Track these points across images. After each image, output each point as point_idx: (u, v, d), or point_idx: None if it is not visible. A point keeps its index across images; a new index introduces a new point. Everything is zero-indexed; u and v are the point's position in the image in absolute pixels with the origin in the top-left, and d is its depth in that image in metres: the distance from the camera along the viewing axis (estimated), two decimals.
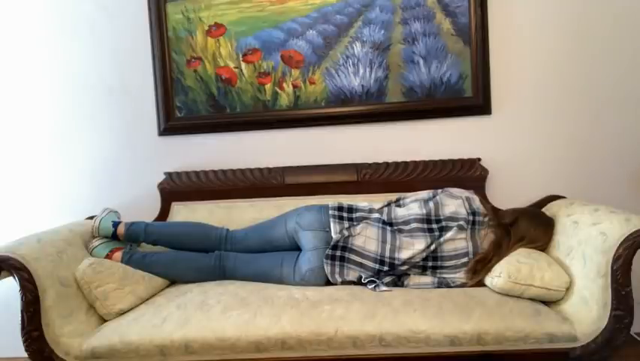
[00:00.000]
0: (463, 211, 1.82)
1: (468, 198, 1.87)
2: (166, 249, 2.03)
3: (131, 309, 1.73)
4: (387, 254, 1.78)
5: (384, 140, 2.23)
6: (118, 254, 1.91)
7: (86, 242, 1.93)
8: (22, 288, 1.54)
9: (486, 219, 1.84)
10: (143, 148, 2.32)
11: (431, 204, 1.87)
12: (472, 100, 2.18)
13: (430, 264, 1.78)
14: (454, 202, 1.85)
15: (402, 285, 1.79)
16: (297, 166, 2.23)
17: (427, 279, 1.78)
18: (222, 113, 2.28)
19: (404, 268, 1.78)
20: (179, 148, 2.31)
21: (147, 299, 1.80)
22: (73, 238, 1.86)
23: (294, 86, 2.24)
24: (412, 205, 1.91)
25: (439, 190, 1.96)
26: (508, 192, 2.16)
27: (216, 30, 2.25)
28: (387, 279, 1.79)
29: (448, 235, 1.78)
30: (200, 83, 2.28)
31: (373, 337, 1.51)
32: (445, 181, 2.09)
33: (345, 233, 1.81)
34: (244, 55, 2.25)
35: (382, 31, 2.19)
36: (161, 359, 1.55)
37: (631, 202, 2.07)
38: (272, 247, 1.96)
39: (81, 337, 1.61)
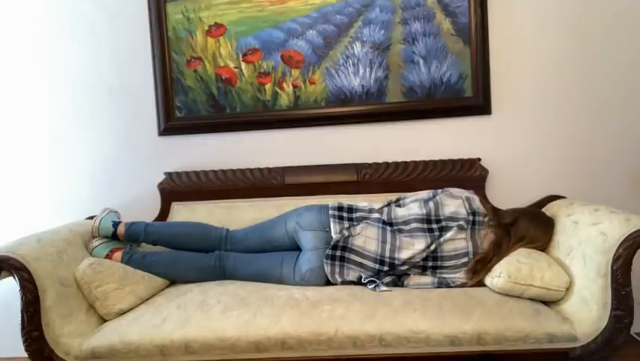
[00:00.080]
0: (463, 211, 1.82)
1: (468, 198, 1.87)
2: (166, 249, 2.03)
3: (131, 309, 1.73)
4: (387, 254, 1.78)
5: (384, 140, 2.23)
6: (118, 254, 1.91)
7: (86, 242, 1.93)
8: (22, 288, 1.54)
9: (486, 219, 1.84)
10: (143, 148, 2.33)
11: (431, 204, 1.87)
12: (472, 100, 2.18)
13: (430, 264, 1.78)
14: (454, 202, 1.85)
15: (402, 285, 1.79)
16: (297, 166, 2.23)
17: (427, 279, 1.78)
18: (222, 113, 2.28)
19: (404, 268, 1.78)
20: (179, 148, 2.31)
21: (147, 299, 1.80)
22: (73, 238, 1.86)
23: (294, 86, 2.24)
24: (412, 205, 1.91)
25: (439, 190, 1.96)
26: (508, 192, 2.16)
27: (216, 30, 2.25)
28: (387, 279, 1.79)
29: (448, 235, 1.78)
30: (200, 83, 2.28)
31: (373, 337, 1.51)
32: (445, 181, 2.09)
33: (345, 233, 1.81)
34: (244, 55, 2.25)
35: (382, 31, 2.19)
36: (161, 359, 1.55)
37: (631, 202, 2.07)
38: (272, 247, 1.96)
39: (81, 337, 1.61)
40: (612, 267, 1.47)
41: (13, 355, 2.17)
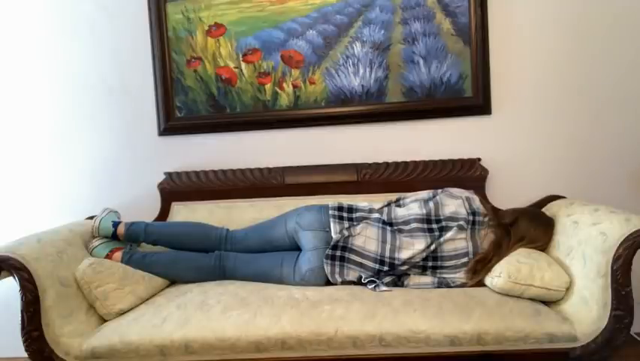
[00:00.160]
0: (463, 211, 1.82)
1: (468, 198, 1.87)
2: (166, 249, 2.03)
3: (131, 309, 1.72)
4: (387, 254, 1.78)
5: (384, 140, 2.23)
6: (118, 254, 1.91)
7: (86, 242, 1.93)
8: (22, 288, 1.54)
9: (486, 219, 1.84)
10: (143, 148, 2.33)
11: (431, 204, 1.87)
12: (472, 100, 2.18)
13: (430, 264, 1.78)
14: (454, 202, 1.85)
15: (402, 285, 1.79)
16: (297, 166, 2.23)
17: (427, 279, 1.78)
18: (222, 113, 2.28)
19: (404, 268, 1.78)
20: (179, 148, 2.31)
21: (147, 299, 1.80)
22: (73, 238, 1.86)
23: (294, 86, 2.24)
24: (412, 205, 1.91)
25: (439, 190, 1.96)
26: (508, 192, 2.16)
27: (216, 30, 2.25)
28: (387, 279, 1.79)
29: (448, 235, 1.78)
30: (200, 83, 2.28)
31: (373, 337, 1.51)
32: (445, 181, 2.09)
33: (345, 233, 1.81)
34: (244, 55, 2.25)
35: (382, 31, 2.19)
36: (161, 359, 1.55)
37: (631, 202, 2.07)
38: (272, 247, 1.96)
39: (81, 337, 1.61)
40: (612, 267, 1.46)
41: (13, 355, 2.17)
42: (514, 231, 1.79)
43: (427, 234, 1.79)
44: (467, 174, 2.15)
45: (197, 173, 2.27)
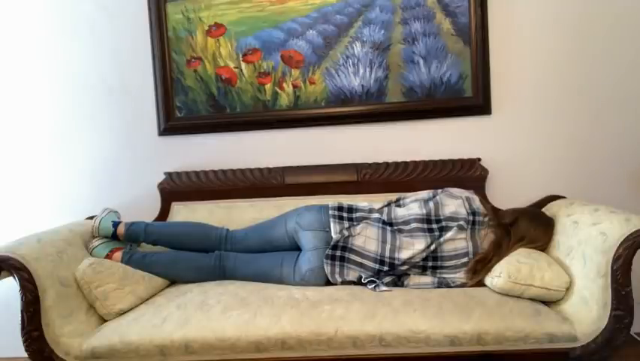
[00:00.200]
0: (463, 211, 1.82)
1: (468, 198, 1.87)
2: (166, 249, 2.03)
3: (131, 309, 1.72)
4: (387, 254, 1.78)
5: (384, 140, 2.23)
6: (118, 254, 1.91)
7: (86, 242, 1.93)
8: (22, 288, 1.54)
9: (486, 219, 1.84)
10: (143, 148, 2.33)
11: (431, 204, 1.87)
12: (472, 100, 2.18)
13: (430, 264, 1.78)
14: (454, 202, 1.85)
15: (402, 285, 1.79)
16: (297, 166, 2.23)
17: (427, 279, 1.78)
18: (222, 113, 2.28)
19: (404, 268, 1.78)
20: (179, 148, 2.31)
21: (147, 299, 1.80)
22: (73, 238, 1.86)
23: (294, 86, 2.24)
24: (412, 205, 1.91)
25: (439, 190, 1.96)
26: (508, 192, 2.16)
27: (216, 30, 2.25)
28: (388, 279, 1.79)
29: (448, 235, 1.78)
30: (200, 83, 2.28)
31: (373, 337, 1.51)
32: (445, 181, 2.09)
33: (345, 233, 1.81)
34: (244, 55, 2.25)
35: (382, 31, 2.19)
36: (161, 359, 1.55)
37: (631, 202, 2.07)
38: (272, 247, 1.96)
39: (81, 337, 1.61)
40: (612, 267, 1.46)
41: (13, 355, 2.17)
42: (514, 231, 1.79)
43: (427, 234, 1.79)
44: (467, 174, 2.15)
45: (197, 173, 2.27)
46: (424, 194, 1.97)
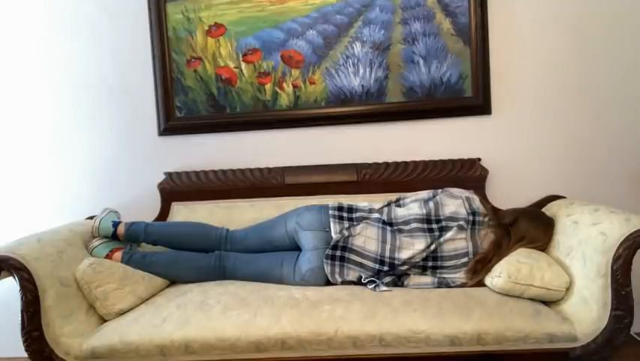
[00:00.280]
0: (463, 211, 1.82)
1: (468, 198, 1.87)
2: (166, 249, 2.03)
3: (131, 309, 1.72)
4: (387, 254, 1.78)
5: (384, 140, 2.23)
6: (118, 254, 1.91)
7: (86, 242, 1.93)
8: (22, 288, 1.54)
9: (486, 219, 1.84)
10: (143, 148, 2.33)
11: (431, 204, 1.87)
12: (472, 100, 2.18)
13: (430, 264, 1.78)
14: (454, 202, 1.85)
15: (402, 285, 1.79)
16: (297, 166, 2.23)
17: (427, 279, 1.78)
18: (222, 113, 2.28)
19: (404, 268, 1.78)
20: (179, 148, 2.31)
21: (147, 299, 1.80)
22: (73, 238, 1.86)
23: (294, 86, 2.24)
24: (412, 205, 1.91)
25: (439, 190, 1.96)
26: (508, 192, 2.16)
27: (216, 30, 2.25)
28: (387, 279, 1.79)
29: (448, 235, 1.78)
30: (200, 83, 2.28)
31: (373, 337, 1.51)
32: (445, 181, 2.09)
33: (345, 233, 1.81)
34: (244, 55, 2.25)
35: (382, 31, 2.19)
36: (161, 359, 1.55)
37: (631, 202, 2.07)
38: (272, 247, 1.96)
39: (81, 337, 1.61)
40: (612, 267, 1.46)
41: (13, 355, 2.17)
42: (514, 231, 1.79)
43: (427, 234, 1.79)
44: (467, 174, 2.15)
45: (197, 173, 2.27)
46: (424, 194, 1.97)
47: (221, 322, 1.56)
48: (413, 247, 1.78)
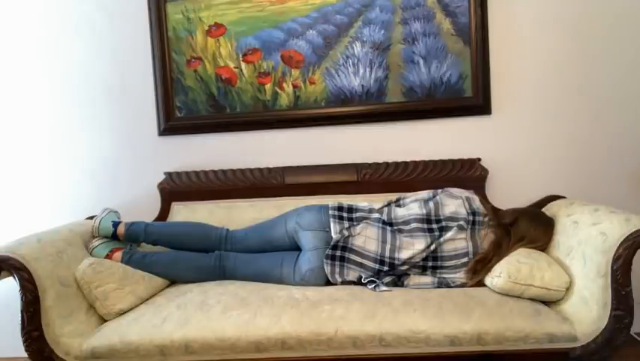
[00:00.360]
0: (463, 211, 1.82)
1: (468, 198, 1.87)
2: (166, 249, 2.03)
3: (131, 309, 1.72)
4: (387, 254, 1.78)
5: (384, 140, 2.23)
6: (118, 254, 1.91)
7: (86, 242, 1.93)
8: (22, 288, 1.54)
9: (486, 219, 1.84)
10: (143, 148, 2.33)
11: (431, 204, 1.87)
12: (472, 100, 2.18)
13: (430, 264, 1.78)
14: (454, 202, 1.85)
15: (402, 285, 1.79)
16: (297, 166, 2.23)
17: (427, 279, 1.78)
18: (222, 113, 2.28)
19: (404, 268, 1.78)
20: (179, 148, 2.31)
21: (147, 299, 1.80)
22: (73, 238, 1.86)
23: (294, 86, 2.24)
24: (412, 205, 1.91)
25: (439, 190, 1.96)
26: (508, 192, 2.16)
27: (216, 30, 2.25)
28: (387, 279, 1.79)
29: (448, 235, 1.78)
30: (200, 83, 2.28)
31: (373, 337, 1.51)
32: (445, 181, 2.09)
33: (345, 233, 1.81)
34: (244, 55, 2.25)
35: (382, 31, 2.19)
36: (161, 359, 1.55)
37: (631, 202, 2.07)
38: (272, 247, 1.96)
39: (81, 337, 1.61)
40: (612, 267, 1.46)
41: (13, 355, 2.17)
42: (514, 231, 1.79)
43: (427, 234, 1.79)
44: (467, 174, 2.15)
45: (197, 173, 2.27)
46: (424, 194, 1.97)
47: (221, 322, 1.56)
48: (413, 247, 1.78)
